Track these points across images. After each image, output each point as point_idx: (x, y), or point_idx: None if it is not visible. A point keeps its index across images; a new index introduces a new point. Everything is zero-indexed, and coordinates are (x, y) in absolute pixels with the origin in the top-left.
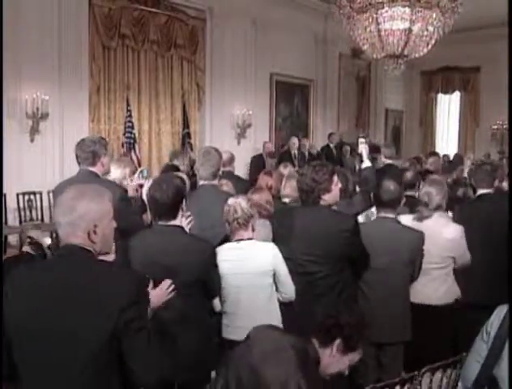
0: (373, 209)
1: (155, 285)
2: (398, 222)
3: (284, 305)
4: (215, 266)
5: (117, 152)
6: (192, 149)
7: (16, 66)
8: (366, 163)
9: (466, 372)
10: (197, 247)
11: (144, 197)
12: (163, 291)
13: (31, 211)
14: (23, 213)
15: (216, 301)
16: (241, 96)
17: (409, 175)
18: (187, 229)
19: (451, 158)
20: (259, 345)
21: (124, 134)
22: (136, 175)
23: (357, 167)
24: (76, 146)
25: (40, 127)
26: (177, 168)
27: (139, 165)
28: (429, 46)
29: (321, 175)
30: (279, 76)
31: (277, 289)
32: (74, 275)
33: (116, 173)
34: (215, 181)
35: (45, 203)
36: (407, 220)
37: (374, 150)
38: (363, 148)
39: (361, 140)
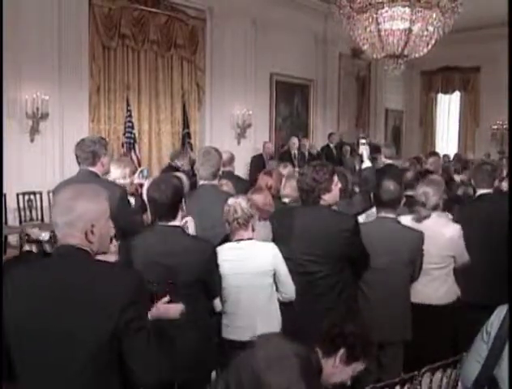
0: (374, 209)
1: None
2: (399, 222)
3: (284, 305)
4: (216, 266)
5: (117, 152)
6: (192, 149)
7: (16, 66)
8: (366, 163)
9: (466, 372)
10: (197, 247)
11: (144, 197)
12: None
13: (31, 211)
14: (23, 213)
15: (217, 301)
16: (241, 96)
17: (409, 175)
18: (191, 231)
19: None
20: (263, 351)
21: (124, 134)
22: (136, 175)
23: (357, 167)
24: (76, 146)
25: (40, 127)
26: (176, 169)
27: (139, 165)
28: (429, 46)
29: (321, 175)
30: (279, 76)
31: (277, 289)
32: (72, 276)
33: (116, 173)
34: (215, 181)
35: (45, 203)
36: (405, 220)
37: (374, 150)
38: (363, 149)
39: (362, 141)
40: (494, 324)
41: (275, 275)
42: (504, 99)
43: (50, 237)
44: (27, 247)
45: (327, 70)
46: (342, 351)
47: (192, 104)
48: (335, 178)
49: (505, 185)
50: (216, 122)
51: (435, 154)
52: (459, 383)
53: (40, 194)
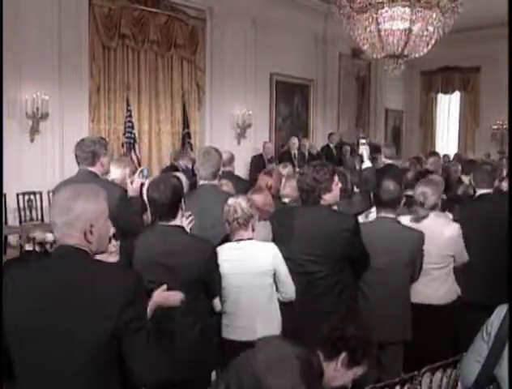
0: (374, 209)
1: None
2: (399, 222)
3: (284, 305)
4: (216, 265)
5: (117, 152)
6: (192, 149)
7: (16, 66)
8: (367, 163)
9: (466, 372)
10: (198, 247)
11: (145, 197)
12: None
13: (31, 211)
14: (23, 213)
15: (216, 301)
16: (241, 96)
17: (410, 175)
18: (188, 229)
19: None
20: (264, 353)
21: (124, 134)
22: (136, 174)
23: (357, 167)
24: (76, 146)
25: (40, 127)
26: (176, 169)
27: (139, 165)
28: (429, 46)
29: (322, 174)
30: (279, 76)
31: (277, 289)
32: (71, 276)
33: (116, 173)
34: (215, 181)
35: (45, 203)
36: (404, 220)
37: (374, 150)
38: (364, 149)
39: (362, 141)
40: (494, 324)
41: (275, 275)
42: (504, 99)
43: (54, 241)
44: (27, 247)
45: (327, 70)
46: (343, 355)
47: (192, 104)
48: (336, 178)
49: (505, 186)
50: (216, 122)
51: (435, 154)
52: (459, 383)
53: (40, 194)
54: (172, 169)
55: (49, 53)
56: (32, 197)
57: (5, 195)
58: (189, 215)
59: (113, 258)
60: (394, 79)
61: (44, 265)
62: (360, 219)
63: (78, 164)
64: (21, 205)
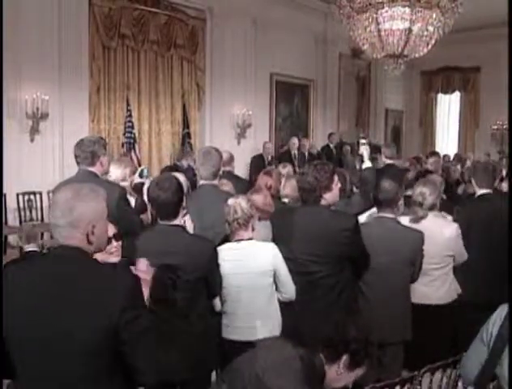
0: (374, 209)
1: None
2: (398, 222)
3: (284, 305)
4: (217, 265)
5: (117, 152)
6: (192, 149)
7: (16, 66)
8: (367, 163)
9: (466, 372)
10: (198, 246)
11: (145, 197)
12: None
13: (31, 211)
14: (23, 213)
15: (216, 301)
16: (240, 96)
17: (410, 175)
18: (190, 230)
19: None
20: (266, 354)
21: (124, 134)
22: (136, 174)
23: (357, 167)
24: (75, 146)
25: (40, 127)
26: (176, 169)
27: (139, 165)
28: (429, 46)
29: (322, 173)
30: (279, 76)
31: (277, 289)
32: (71, 276)
33: (116, 173)
34: (216, 181)
35: (45, 203)
36: (403, 221)
37: (375, 150)
38: (364, 149)
39: (362, 141)
40: (496, 323)
41: (275, 275)
42: (504, 99)
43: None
44: (26, 247)
45: (327, 70)
46: (345, 357)
47: (192, 104)
48: (336, 178)
49: (504, 186)
50: (216, 122)
51: (435, 154)
52: (459, 383)
53: (40, 194)
54: (172, 169)
55: (49, 53)
56: (32, 197)
57: (5, 195)
58: (185, 214)
59: (115, 259)
60: (394, 79)
61: (44, 265)
62: (361, 219)
63: (78, 164)
64: (21, 205)
